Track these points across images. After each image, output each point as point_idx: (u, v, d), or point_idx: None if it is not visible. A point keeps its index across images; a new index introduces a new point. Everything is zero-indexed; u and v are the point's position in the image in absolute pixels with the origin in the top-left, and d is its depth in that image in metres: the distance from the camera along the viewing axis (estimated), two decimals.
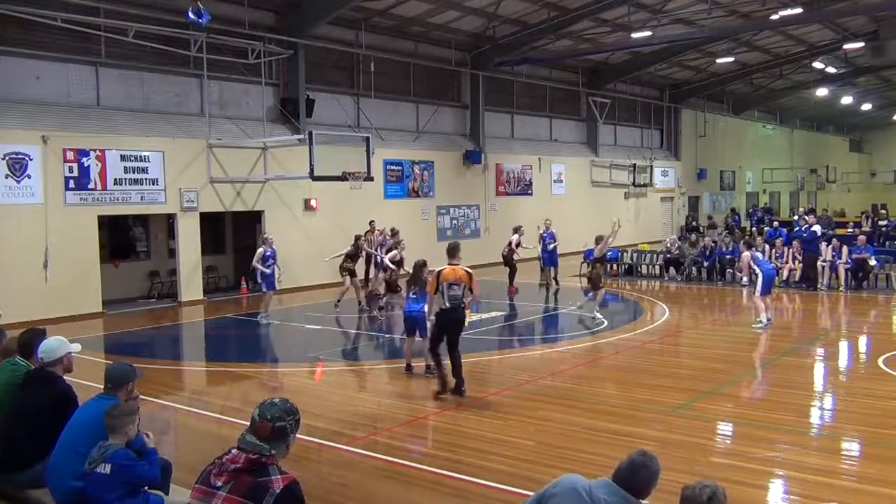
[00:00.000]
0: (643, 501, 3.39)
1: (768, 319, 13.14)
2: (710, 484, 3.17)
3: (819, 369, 10.89)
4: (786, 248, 19.04)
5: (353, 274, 15.85)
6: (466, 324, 10.01)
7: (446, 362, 9.06)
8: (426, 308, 9.63)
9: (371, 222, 18.76)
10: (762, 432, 7.48)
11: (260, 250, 14.69)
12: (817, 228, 18.40)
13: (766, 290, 13.18)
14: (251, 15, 18.48)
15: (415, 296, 10.06)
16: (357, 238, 16.19)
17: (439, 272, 8.95)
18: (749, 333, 13.23)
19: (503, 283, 18.55)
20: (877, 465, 6.70)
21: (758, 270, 13.31)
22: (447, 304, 8.86)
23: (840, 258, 17.87)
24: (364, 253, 16.88)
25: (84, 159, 15.61)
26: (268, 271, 14.54)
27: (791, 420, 8.03)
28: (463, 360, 9.12)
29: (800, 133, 48.99)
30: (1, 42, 14.78)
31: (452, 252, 9.24)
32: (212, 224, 19.01)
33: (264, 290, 14.81)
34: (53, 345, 5.18)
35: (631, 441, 6.92)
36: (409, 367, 10.28)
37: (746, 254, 13.72)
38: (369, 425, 8.04)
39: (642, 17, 23.78)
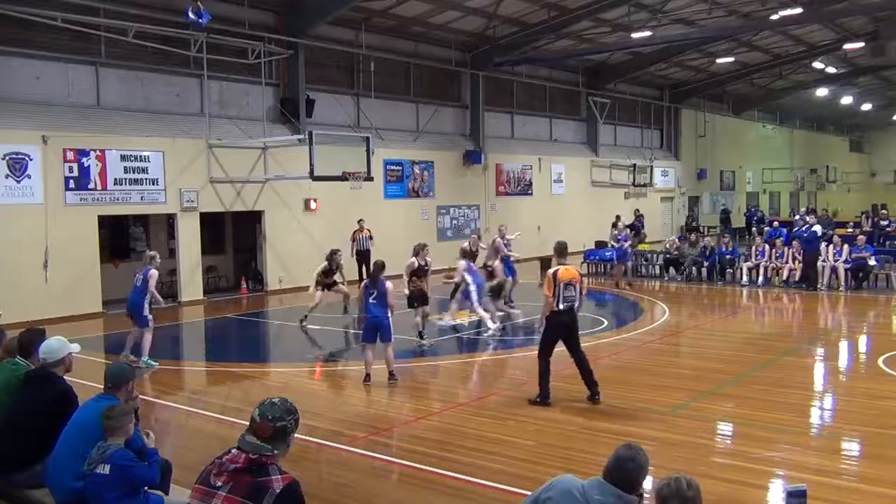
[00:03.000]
0: (634, 497, 3.38)
1: (499, 325, 12.96)
2: (679, 475, 3.14)
3: (819, 369, 10.89)
4: (786, 248, 19.04)
5: (326, 287, 14.26)
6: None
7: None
8: (390, 313, 9.41)
9: (360, 221, 18.72)
10: (762, 432, 7.47)
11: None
12: (817, 228, 18.39)
13: (479, 299, 12.85)
14: (251, 15, 18.48)
15: (374, 301, 9.50)
16: (332, 253, 14.44)
17: (555, 273, 8.43)
18: (749, 333, 13.24)
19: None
20: (877, 465, 6.70)
21: (469, 279, 12.91)
22: (562, 306, 8.43)
23: (841, 257, 17.87)
24: (338, 266, 14.77)
25: (84, 159, 15.61)
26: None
27: (791, 420, 8.02)
28: (464, 361, 9.10)
29: (800, 133, 48.99)
30: (1, 42, 14.78)
31: (562, 252, 8.81)
32: (212, 224, 19.00)
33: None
34: (55, 345, 5.18)
35: (631, 441, 6.91)
36: (367, 378, 9.67)
37: (462, 262, 13.14)
38: (369, 425, 8.03)
39: (642, 17, 23.79)
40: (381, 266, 9.77)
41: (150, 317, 11.09)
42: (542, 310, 8.73)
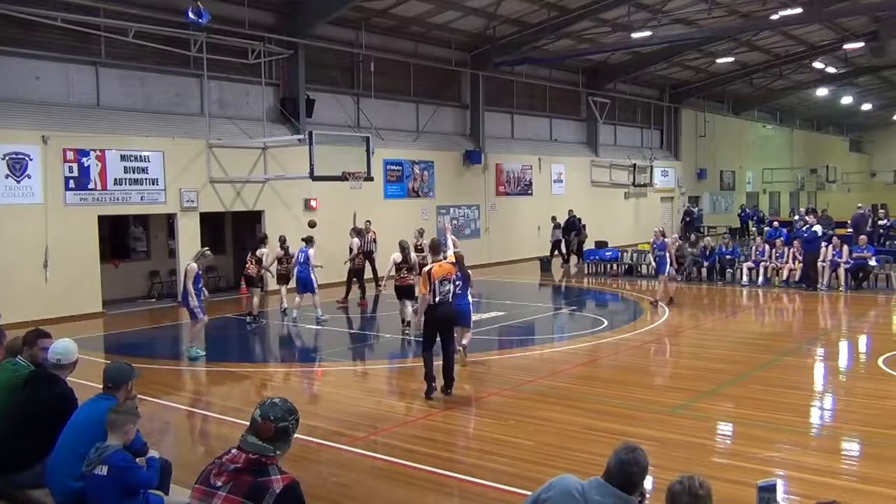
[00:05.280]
0: (634, 497, 3.39)
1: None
2: (693, 474, 3.21)
3: (819, 369, 10.88)
4: (786, 248, 19.04)
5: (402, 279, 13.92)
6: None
7: (437, 362, 9.00)
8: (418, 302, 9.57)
9: (367, 222, 18.71)
10: (762, 432, 7.47)
11: (312, 250, 14.57)
12: (818, 228, 18.38)
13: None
14: (251, 15, 18.48)
15: (460, 290, 9.97)
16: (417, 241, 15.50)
17: (429, 270, 8.91)
18: (749, 333, 13.23)
19: (502, 283, 18.56)
20: (877, 465, 6.70)
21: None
22: (438, 299, 8.83)
23: (841, 257, 17.86)
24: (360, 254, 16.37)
25: (84, 159, 15.61)
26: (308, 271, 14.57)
27: (791, 420, 8.02)
28: (464, 360, 9.10)
29: (800, 133, 49.00)
30: (1, 42, 14.78)
31: (436, 249, 9.42)
32: (212, 224, 19.01)
33: (309, 291, 14.61)
34: (70, 348, 5.20)
35: (630, 442, 6.90)
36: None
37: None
38: (369, 425, 8.03)
39: (642, 17, 23.79)
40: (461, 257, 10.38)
41: (196, 309, 11.38)
42: (420, 306, 9.12)
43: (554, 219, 24.62)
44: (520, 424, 7.88)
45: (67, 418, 4.70)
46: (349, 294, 16.61)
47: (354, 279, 16.48)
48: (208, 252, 11.96)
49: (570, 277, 22.60)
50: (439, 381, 8.97)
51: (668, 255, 16.52)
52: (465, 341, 10.50)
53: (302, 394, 9.88)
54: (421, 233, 16.63)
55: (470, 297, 10.86)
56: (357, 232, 16.37)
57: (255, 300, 14.81)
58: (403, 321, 13.16)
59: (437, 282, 8.80)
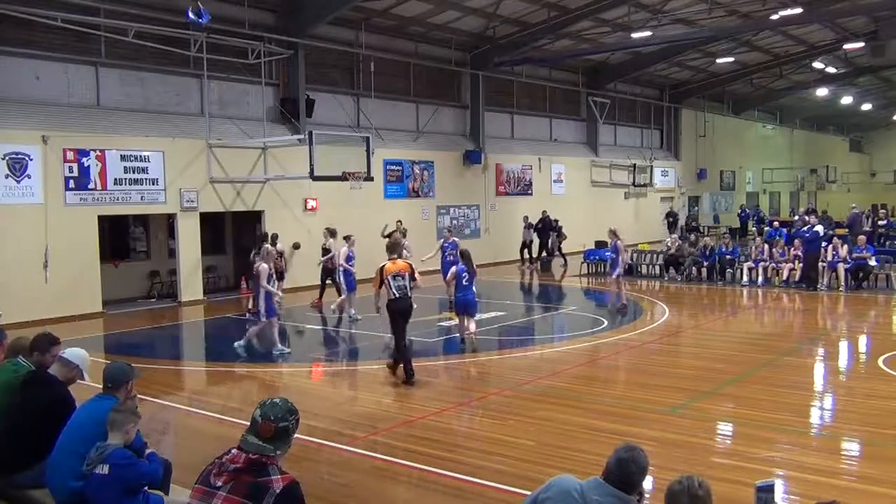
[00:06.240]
0: (633, 497, 3.39)
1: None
2: (692, 475, 3.22)
3: (819, 369, 10.88)
4: (788, 248, 19.03)
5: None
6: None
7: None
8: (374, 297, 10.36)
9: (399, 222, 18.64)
10: (762, 432, 7.47)
11: (343, 250, 14.59)
12: (819, 228, 18.35)
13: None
14: (251, 15, 18.48)
15: (467, 282, 11.67)
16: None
17: (382, 267, 9.81)
18: (749, 333, 13.21)
19: (502, 283, 18.55)
20: (877, 465, 6.70)
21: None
22: (396, 294, 9.70)
23: (839, 257, 17.85)
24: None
25: (84, 159, 15.61)
26: (353, 270, 14.59)
27: (791, 420, 8.02)
28: (464, 360, 9.11)
29: (800, 133, 48.99)
30: (1, 42, 14.78)
31: (392, 248, 10.21)
32: (212, 224, 19.01)
33: (346, 292, 14.65)
34: (80, 353, 5.25)
35: (631, 441, 6.91)
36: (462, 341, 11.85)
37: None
38: (369, 425, 8.03)
39: (642, 17, 23.78)
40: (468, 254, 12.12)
41: (269, 311, 11.59)
42: (373, 300, 10.20)
43: (526, 219, 24.57)
44: (520, 424, 7.88)
45: (64, 419, 4.70)
46: (323, 296, 16.52)
47: (329, 280, 16.25)
48: (271, 248, 12.17)
49: (539, 274, 23.02)
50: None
51: (620, 257, 15.72)
52: (472, 327, 11.66)
53: (302, 393, 9.87)
54: (390, 232, 16.77)
55: (475, 288, 12.05)
56: (331, 232, 16.15)
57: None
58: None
59: (389, 277, 9.68)
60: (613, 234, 16.14)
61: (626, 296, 15.74)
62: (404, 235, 16.32)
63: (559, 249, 24.89)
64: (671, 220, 32.36)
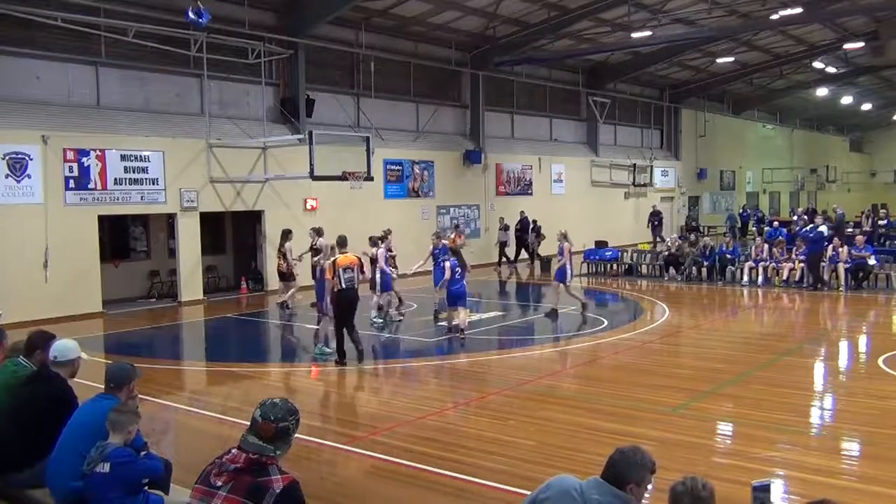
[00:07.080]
0: (633, 497, 3.39)
1: None
2: (695, 475, 3.21)
3: (819, 369, 10.88)
4: (788, 250, 19.03)
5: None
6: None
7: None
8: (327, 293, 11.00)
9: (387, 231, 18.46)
10: (762, 432, 7.47)
11: (381, 251, 14.17)
12: (823, 229, 18.31)
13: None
14: (251, 15, 18.48)
15: (459, 275, 12.62)
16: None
17: (334, 260, 10.57)
18: (749, 333, 13.19)
19: (502, 283, 18.54)
20: (877, 465, 6.70)
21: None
22: (345, 285, 10.47)
23: (839, 257, 17.85)
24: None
25: (84, 159, 15.61)
26: (389, 270, 14.29)
27: (791, 420, 8.02)
28: (464, 360, 9.10)
29: (800, 133, 48.99)
30: (1, 42, 14.77)
31: (342, 243, 10.88)
32: (212, 224, 19.00)
33: (383, 291, 14.26)
34: (69, 346, 5.21)
35: (631, 441, 6.91)
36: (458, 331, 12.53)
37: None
38: (369, 425, 8.03)
39: (642, 17, 23.78)
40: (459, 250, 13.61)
41: (328, 308, 11.32)
42: (327, 293, 10.83)
43: (502, 220, 24.52)
44: (520, 424, 7.88)
45: (65, 418, 4.69)
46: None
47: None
48: (326, 242, 12.80)
49: (510, 276, 22.98)
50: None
51: (568, 262, 14.54)
52: (462, 316, 12.53)
53: (302, 393, 9.87)
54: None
55: (465, 281, 12.92)
56: (318, 231, 15.31)
57: (290, 292, 15.68)
58: (377, 316, 14.16)
59: (340, 269, 10.44)
60: (563, 236, 14.72)
61: (560, 302, 14.79)
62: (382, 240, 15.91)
63: (537, 251, 24.70)
64: (656, 221, 30.40)
